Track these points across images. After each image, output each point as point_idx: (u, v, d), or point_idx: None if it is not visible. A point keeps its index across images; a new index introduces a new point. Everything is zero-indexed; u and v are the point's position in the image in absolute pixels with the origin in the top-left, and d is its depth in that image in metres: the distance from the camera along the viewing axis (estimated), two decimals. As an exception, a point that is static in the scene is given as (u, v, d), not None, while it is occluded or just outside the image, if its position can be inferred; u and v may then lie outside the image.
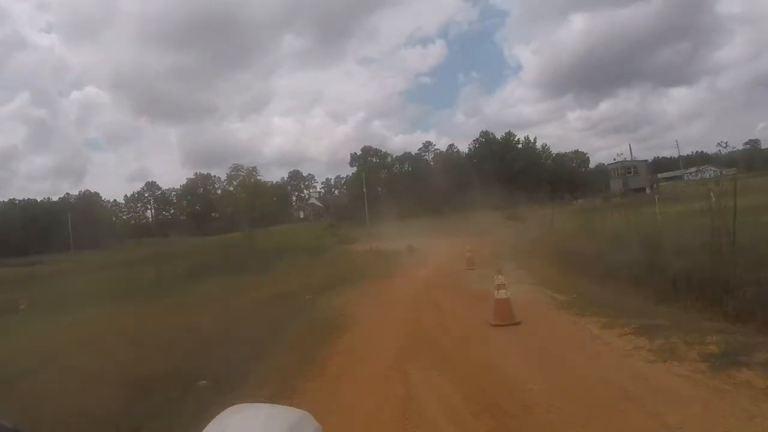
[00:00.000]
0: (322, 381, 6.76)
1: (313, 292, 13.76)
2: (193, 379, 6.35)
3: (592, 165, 78.20)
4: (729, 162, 64.63)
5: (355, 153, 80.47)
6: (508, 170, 63.79)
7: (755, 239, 9.15)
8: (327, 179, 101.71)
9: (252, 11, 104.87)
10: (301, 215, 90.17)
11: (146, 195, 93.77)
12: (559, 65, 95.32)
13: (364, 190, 67.77)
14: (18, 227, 68.95)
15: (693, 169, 62.79)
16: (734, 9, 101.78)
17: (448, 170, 68.78)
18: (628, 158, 58.98)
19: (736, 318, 7.58)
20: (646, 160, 55.81)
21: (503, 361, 6.91)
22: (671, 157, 73.19)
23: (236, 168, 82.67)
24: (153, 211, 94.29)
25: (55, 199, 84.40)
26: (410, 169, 77.83)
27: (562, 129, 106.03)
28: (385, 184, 75.88)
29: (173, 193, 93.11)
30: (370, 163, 77.98)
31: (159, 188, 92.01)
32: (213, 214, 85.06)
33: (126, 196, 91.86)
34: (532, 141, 75.15)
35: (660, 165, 72.03)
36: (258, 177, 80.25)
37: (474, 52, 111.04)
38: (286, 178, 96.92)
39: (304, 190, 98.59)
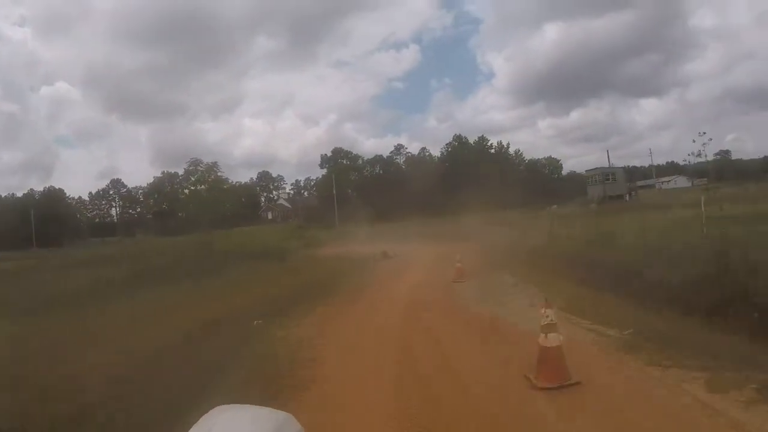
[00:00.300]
0: None
1: (266, 314, 10.20)
2: None
3: (563, 172, 76.50)
4: (699, 172, 63.43)
5: (326, 154, 76.85)
6: (482, 175, 61.06)
7: None
8: (296, 181, 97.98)
9: (226, 11, 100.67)
10: (270, 216, 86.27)
11: (111, 193, 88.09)
12: (531, 73, 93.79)
13: (334, 191, 64.22)
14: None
15: (666, 179, 61.57)
16: (706, 23, 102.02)
17: (420, 173, 65.89)
18: (605, 165, 57.11)
19: None
20: (624, 167, 54.01)
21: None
22: (641, 166, 72.01)
23: (194, 162, 71.03)
24: (118, 210, 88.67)
25: (19, 194, 78.46)
26: (381, 171, 74.49)
27: (533, 136, 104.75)
28: (355, 186, 72.44)
29: (140, 191, 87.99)
30: (341, 165, 74.36)
31: (124, 186, 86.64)
32: (180, 214, 79.80)
33: (91, 193, 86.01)
34: (506, 146, 72.94)
35: (631, 174, 70.57)
36: (219, 173, 70.28)
37: (447, 58, 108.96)
38: (255, 179, 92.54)
39: (273, 191, 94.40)
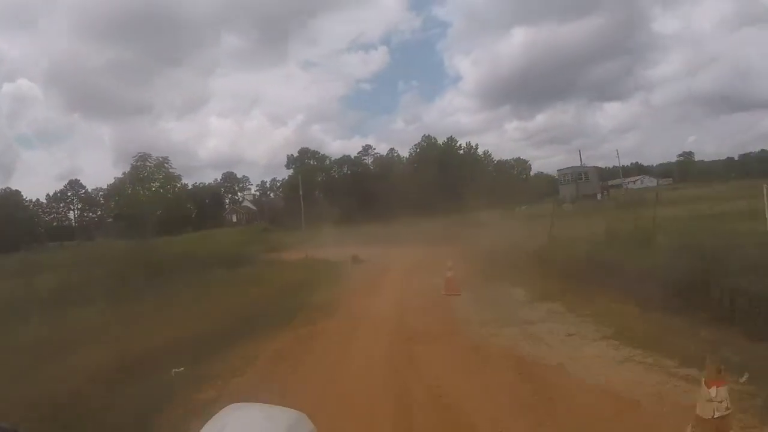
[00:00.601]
0: None
1: (193, 355, 6.95)
2: None
3: (531, 173, 74.71)
4: (664, 173, 62.99)
5: (292, 155, 72.92)
6: (451, 176, 58.59)
7: None
8: (262, 182, 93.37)
9: (193, 8, 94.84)
10: (234, 219, 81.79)
11: (69, 194, 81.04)
12: (498, 77, 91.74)
13: (301, 192, 60.69)
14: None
15: (633, 179, 60.50)
16: (670, 28, 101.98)
17: (389, 174, 63.02)
18: (572, 165, 55.36)
19: None
20: (597, 167, 52.28)
21: None
22: (606, 167, 70.90)
23: (142, 157, 60.69)
24: (76, 212, 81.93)
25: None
26: (349, 172, 71.11)
27: (499, 139, 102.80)
28: (323, 187, 68.98)
29: (100, 193, 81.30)
30: (308, 165, 70.67)
31: (83, 187, 79.08)
32: (139, 217, 74.08)
33: (48, 195, 79.24)
34: (474, 147, 70.64)
35: (603, 174, 69.42)
36: (171, 170, 60.81)
37: (415, 61, 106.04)
38: (219, 180, 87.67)
39: (238, 193, 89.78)
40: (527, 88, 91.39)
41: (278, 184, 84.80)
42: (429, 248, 22.74)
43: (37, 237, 67.48)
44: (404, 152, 73.14)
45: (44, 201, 79.26)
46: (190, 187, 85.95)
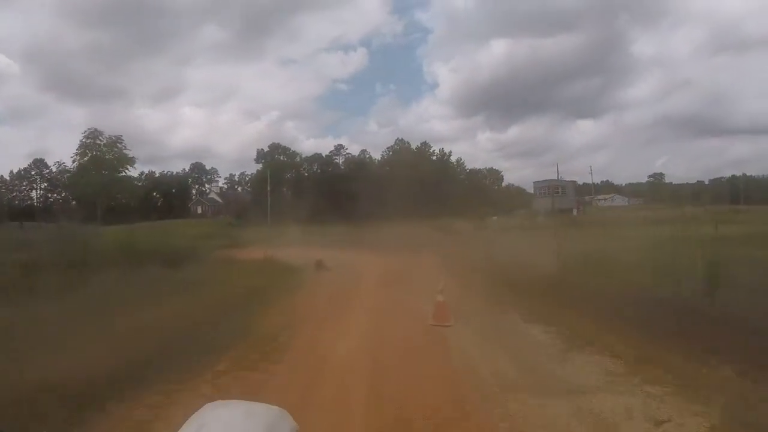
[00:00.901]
0: None
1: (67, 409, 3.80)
2: None
3: (503, 184, 72.62)
4: (633, 192, 62.03)
5: (262, 149, 68.81)
6: (424, 181, 55.91)
7: None
8: (231, 175, 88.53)
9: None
10: (199, 211, 77.17)
11: (33, 173, 73.39)
12: (475, 87, 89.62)
13: (269, 188, 56.97)
14: None
15: (604, 196, 59.16)
16: (647, 51, 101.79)
17: (360, 175, 59.96)
18: (544, 179, 53.39)
19: None
20: (574, 181, 50.28)
21: None
22: (577, 183, 69.53)
23: (93, 134, 50.65)
24: (39, 192, 74.57)
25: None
26: (320, 171, 67.60)
27: (472, 148, 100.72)
28: (292, 184, 65.33)
29: (66, 174, 74.10)
30: (278, 161, 66.76)
31: (47, 167, 69.49)
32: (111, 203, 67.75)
33: (12, 172, 71.80)
34: (448, 154, 68.23)
35: (581, 189, 67.93)
36: (125, 150, 51.71)
37: (394, 65, 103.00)
38: (187, 170, 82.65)
39: (206, 184, 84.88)
40: (503, 100, 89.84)
41: (247, 179, 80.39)
42: (404, 257, 19.76)
43: (-1, 216, 61.64)
44: (377, 155, 70.08)
45: (8, 178, 71.91)
46: (157, 174, 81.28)
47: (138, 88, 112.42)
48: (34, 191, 74.38)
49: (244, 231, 43.44)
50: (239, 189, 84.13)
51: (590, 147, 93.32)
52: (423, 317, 8.78)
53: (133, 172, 73.34)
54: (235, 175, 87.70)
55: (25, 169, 70.81)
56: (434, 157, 67.32)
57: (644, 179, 75.27)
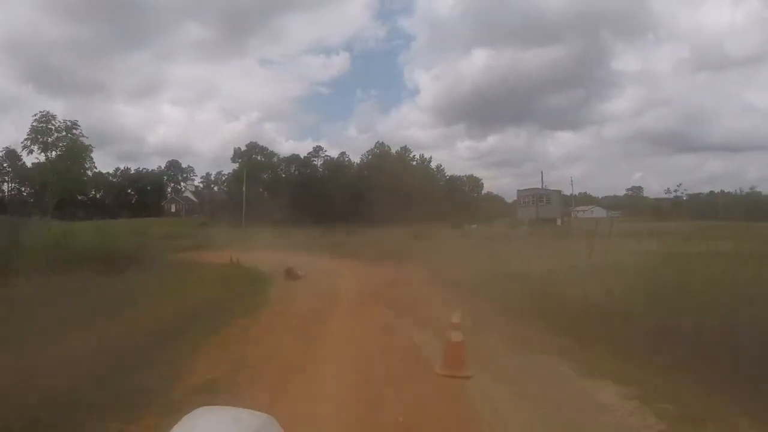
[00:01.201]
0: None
1: None
2: None
3: (482, 192, 70.98)
4: (611, 205, 60.95)
5: (239, 148, 65.47)
6: (403, 186, 53.51)
7: None
8: (207, 173, 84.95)
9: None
10: (173, 209, 73.26)
11: (5, 165, 67.01)
12: (455, 95, 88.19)
13: (244, 188, 53.81)
14: None
15: (584, 208, 57.84)
16: (628, 67, 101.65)
17: (338, 178, 57.30)
18: (526, 188, 51.64)
19: None
20: (560, 191, 48.47)
21: None
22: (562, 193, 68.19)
23: (45, 118, 44.16)
24: (9, 186, 68.37)
25: None
26: (297, 172, 64.52)
27: (450, 156, 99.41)
28: (268, 185, 62.14)
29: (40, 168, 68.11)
30: (255, 160, 63.49)
31: (19, 158, 64.26)
32: (79, 197, 62.55)
33: None
34: (428, 160, 66.04)
35: (567, 199, 66.59)
36: (81, 137, 45.01)
37: (376, 70, 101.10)
38: (163, 167, 78.65)
39: (181, 183, 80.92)
40: (482, 109, 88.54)
41: (223, 178, 76.83)
42: (387, 267, 17.21)
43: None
44: (356, 158, 67.46)
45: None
46: (132, 171, 76.97)
47: (118, 84, 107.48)
48: (5, 183, 68.60)
49: (215, 231, 40.34)
50: (215, 188, 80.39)
51: (568, 159, 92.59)
52: (425, 360, 6.21)
53: (109, 167, 68.64)
54: (211, 174, 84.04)
55: (-6, 161, 65.09)
56: (414, 162, 65.16)
57: (621, 192, 75.46)
